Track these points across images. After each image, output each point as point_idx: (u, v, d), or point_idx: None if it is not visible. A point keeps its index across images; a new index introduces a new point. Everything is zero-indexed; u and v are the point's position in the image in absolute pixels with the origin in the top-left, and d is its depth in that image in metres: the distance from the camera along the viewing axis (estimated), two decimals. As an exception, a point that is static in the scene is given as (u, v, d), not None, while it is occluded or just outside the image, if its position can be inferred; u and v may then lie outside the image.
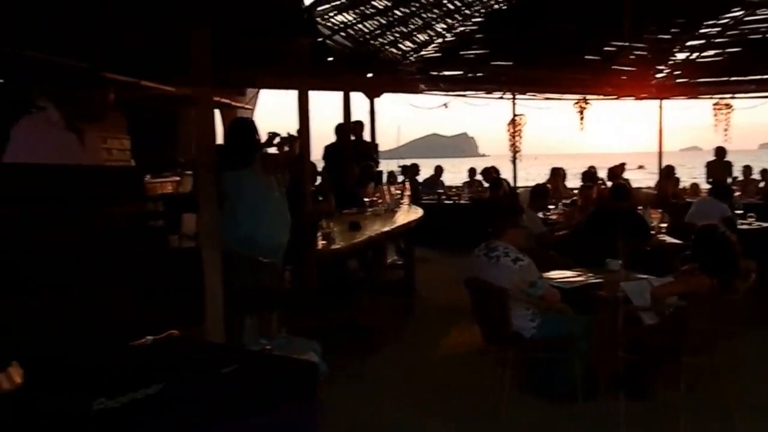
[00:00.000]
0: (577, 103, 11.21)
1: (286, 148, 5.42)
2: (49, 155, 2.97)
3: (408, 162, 12.39)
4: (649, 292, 3.92)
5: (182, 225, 4.21)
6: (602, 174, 11.05)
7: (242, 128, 5.14)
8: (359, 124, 8.81)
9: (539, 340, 3.94)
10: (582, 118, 11.27)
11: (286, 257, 5.37)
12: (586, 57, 9.61)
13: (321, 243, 5.32)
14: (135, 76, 9.09)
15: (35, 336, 1.06)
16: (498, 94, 11.16)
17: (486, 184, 10.96)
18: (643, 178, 16.91)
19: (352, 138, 8.48)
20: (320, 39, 6.90)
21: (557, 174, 10.54)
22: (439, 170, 12.41)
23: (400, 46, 8.87)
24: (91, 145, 3.36)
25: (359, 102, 9.58)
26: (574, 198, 8.50)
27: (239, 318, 4.77)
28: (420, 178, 11.80)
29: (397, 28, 8.37)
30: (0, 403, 0.77)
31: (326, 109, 11.37)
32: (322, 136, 8.43)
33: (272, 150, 5.97)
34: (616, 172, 10.74)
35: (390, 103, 12.23)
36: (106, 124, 10.67)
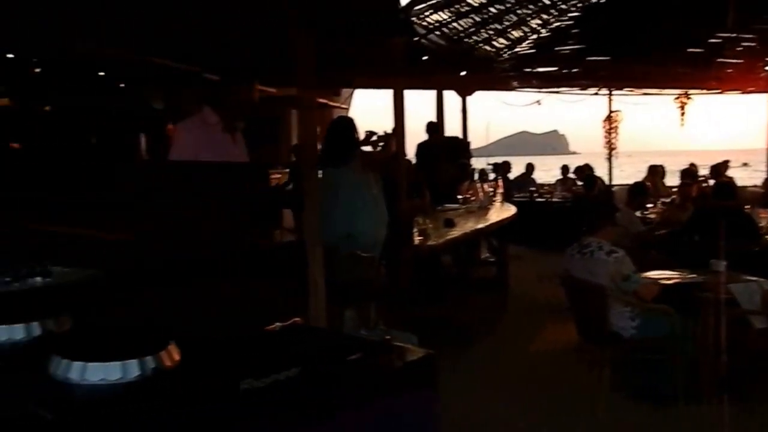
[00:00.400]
0: (677, 98, 10.75)
1: (381, 145, 5.52)
2: (209, 155, 3.14)
3: (497, 160, 12.29)
4: (759, 295, 3.76)
5: (283, 220, 4.41)
6: (703, 172, 10.56)
7: (343, 127, 5.29)
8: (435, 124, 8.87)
9: (640, 341, 3.86)
10: (683, 114, 10.80)
11: (383, 252, 5.50)
12: (689, 50, 9.18)
13: (417, 239, 5.41)
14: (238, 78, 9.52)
15: (187, 320, 1.19)
16: (593, 90, 10.87)
17: (580, 182, 10.71)
18: (747, 176, 15.94)
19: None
20: (416, 38, 6.97)
21: (655, 171, 10.17)
22: (530, 168, 12.26)
23: (494, 43, 8.81)
24: (240, 144, 3.48)
25: (450, 100, 9.62)
26: (673, 196, 8.19)
27: (339, 310, 4.93)
28: (510, 176, 11.68)
29: (491, 26, 8.33)
30: (164, 378, 0.87)
31: (418, 107, 11.46)
32: (413, 134, 8.52)
33: (369, 148, 6.09)
34: (719, 169, 10.23)
35: (479, 100, 12.18)
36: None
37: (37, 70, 8.32)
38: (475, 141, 14.78)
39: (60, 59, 8.00)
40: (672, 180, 10.82)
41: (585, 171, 11.04)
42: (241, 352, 1.02)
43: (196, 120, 3.46)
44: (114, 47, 7.66)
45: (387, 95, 6.92)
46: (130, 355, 0.86)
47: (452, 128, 9.66)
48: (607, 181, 10.50)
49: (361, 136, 5.53)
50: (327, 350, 1.15)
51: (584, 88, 10.74)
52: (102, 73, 9.53)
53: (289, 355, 1.05)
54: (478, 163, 10.92)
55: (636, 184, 7.32)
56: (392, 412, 1.18)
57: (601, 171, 11.19)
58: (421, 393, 1.24)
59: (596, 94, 10.92)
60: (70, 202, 1.71)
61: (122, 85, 10.26)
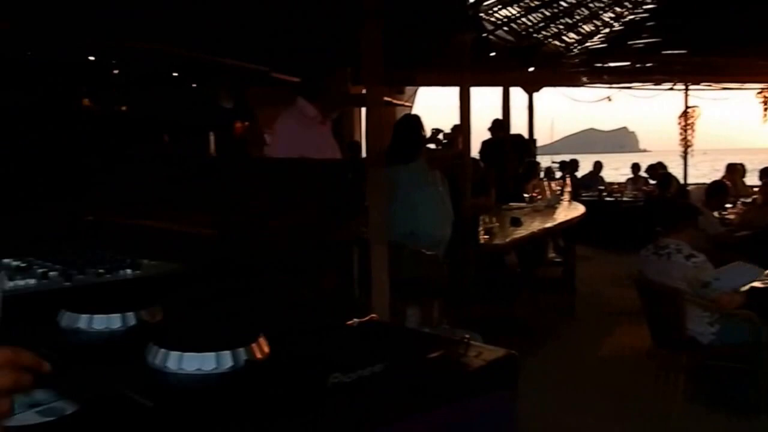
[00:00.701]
0: (760, 92, 10.24)
1: (447, 143, 5.52)
2: (310, 148, 3.22)
3: (562, 158, 12.04)
4: None
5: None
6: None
7: (409, 124, 5.30)
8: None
9: (719, 347, 3.70)
10: (766, 109, 10.29)
11: (447, 251, 5.48)
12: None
13: (483, 238, 5.36)
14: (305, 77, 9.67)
15: (267, 313, 1.21)
16: (668, 85, 10.49)
17: (652, 181, 10.37)
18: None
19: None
20: (484, 34, 6.90)
21: (735, 170, 9.72)
22: (598, 166, 11.94)
23: (564, 38, 8.61)
24: (332, 136, 3.52)
25: (516, 97, 9.47)
26: (755, 196, 7.83)
27: (403, 307, 4.95)
28: (577, 174, 11.43)
29: (561, 20, 8.14)
30: (256, 370, 0.89)
31: (482, 104, 11.34)
32: (477, 131, 8.46)
33: (433, 146, 6.08)
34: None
35: (544, 97, 11.96)
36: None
37: (116, 71, 8.68)
38: (540, 138, 14.54)
39: (136, 60, 8.31)
40: (752, 179, 10.33)
41: (658, 169, 10.66)
42: (326, 347, 1.02)
43: (295, 112, 3.46)
44: (186, 48, 7.90)
45: (451, 93, 6.89)
46: (223, 347, 0.88)
47: (517, 125, 9.53)
48: (681, 180, 10.12)
49: (427, 133, 5.52)
50: (408, 347, 1.14)
51: (658, 83, 10.37)
52: (176, 74, 9.84)
53: (373, 351, 1.05)
54: (543, 160, 10.73)
55: (714, 183, 7.01)
56: (472, 412, 1.17)
57: (674, 169, 10.79)
58: (502, 394, 1.22)
59: (671, 89, 10.53)
60: (156, 198, 1.77)
61: (194, 85, 10.58)
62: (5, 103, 6.44)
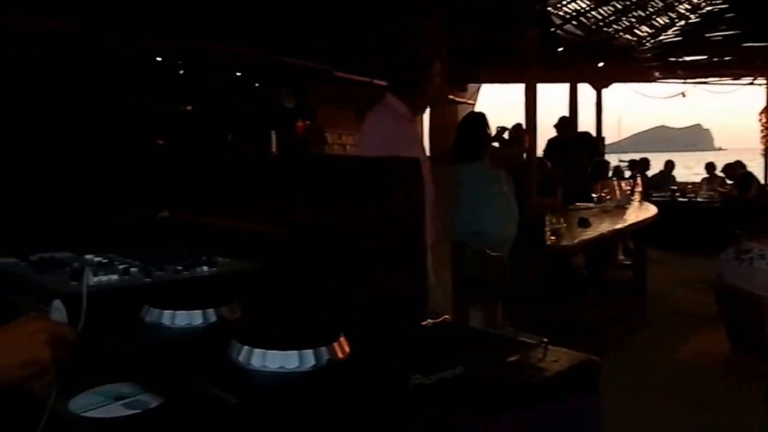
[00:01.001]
0: None
1: (512, 141, 5.43)
2: (401, 145, 3.19)
3: (631, 156, 11.67)
4: None
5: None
6: None
7: (474, 122, 5.24)
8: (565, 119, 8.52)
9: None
10: None
11: (512, 251, 5.39)
12: None
13: (549, 238, 5.24)
14: (367, 76, 9.70)
15: (347, 313, 1.20)
16: (747, 80, 10.01)
17: (729, 181, 9.92)
18: None
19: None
20: (552, 29, 6.75)
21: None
22: (669, 165, 11.50)
23: (636, 31, 8.33)
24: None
25: (583, 93, 9.24)
26: None
27: (465, 308, 4.89)
28: (648, 174, 11.05)
29: (634, 13, 7.88)
30: (337, 370, 0.87)
31: (548, 101, 11.11)
32: (543, 129, 8.29)
33: (498, 144, 5.98)
34: None
35: (612, 93, 11.60)
36: (342, 122, 11.55)
37: (181, 72, 8.95)
38: (607, 136, 14.15)
39: (202, 61, 8.54)
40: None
41: (737, 169, 10.18)
42: (403, 347, 1.00)
43: (387, 108, 3.45)
44: (251, 48, 8.05)
45: (514, 90, 6.78)
46: (305, 345, 0.88)
47: (584, 122, 9.29)
48: (762, 180, 9.65)
49: (492, 132, 5.46)
50: (485, 350, 1.11)
51: (737, 77, 9.90)
52: (239, 74, 10.07)
53: (451, 353, 1.02)
54: (610, 159, 10.44)
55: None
56: (555, 418, 1.13)
57: (754, 169, 10.30)
58: (584, 400, 1.18)
59: (751, 83, 10.05)
60: (230, 197, 1.79)
61: (257, 85, 10.80)
62: (82, 104, 6.72)
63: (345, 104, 11.11)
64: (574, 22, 7.39)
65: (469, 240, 4.73)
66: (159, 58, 8.31)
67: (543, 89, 9.37)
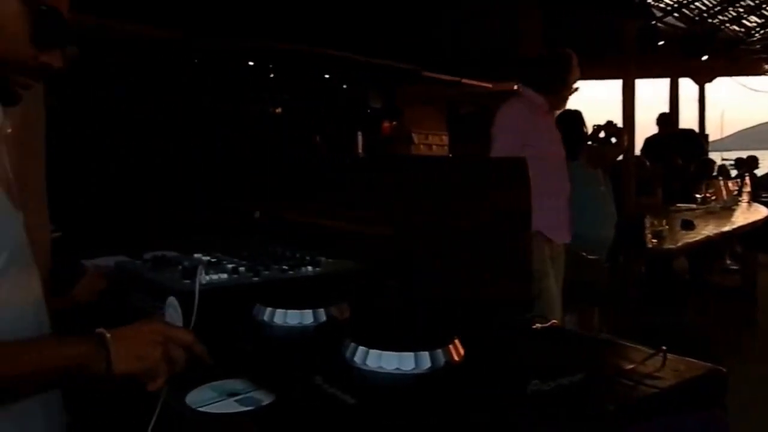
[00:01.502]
0: None
1: (613, 140, 5.25)
2: (537, 137, 3.31)
3: (737, 154, 10.99)
4: None
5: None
6: None
7: (570, 120, 5.09)
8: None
9: None
10: None
11: (609, 255, 5.21)
12: None
13: (650, 241, 5.01)
14: (457, 75, 9.64)
15: (453, 314, 1.17)
16: None
17: None
18: None
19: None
20: (651, 22, 6.47)
21: None
22: (781, 163, 10.78)
23: (744, 22, 7.83)
24: None
25: (685, 88, 8.79)
26: None
27: (561, 313, 4.74)
28: (757, 173, 10.37)
29: (741, 2, 7.41)
30: (453, 373, 0.85)
31: (646, 97, 10.63)
32: (642, 126, 7.94)
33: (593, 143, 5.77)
34: None
35: (714, 88, 10.92)
36: (428, 122, 11.54)
37: (272, 75, 9.21)
38: (710, 133, 13.41)
39: (292, 64, 8.74)
40: None
41: None
42: (517, 351, 0.96)
43: (524, 100, 3.50)
44: (339, 50, 8.16)
45: (611, 85, 6.52)
46: (421, 347, 0.86)
47: (685, 119, 8.84)
48: None
49: (588, 130, 5.31)
50: (600, 356, 1.05)
51: None
52: (327, 76, 10.25)
53: (566, 359, 0.98)
54: (713, 157, 9.88)
55: None
56: (678, 428, 1.06)
57: None
58: (707, 414, 1.10)
59: None
60: (331, 198, 1.81)
61: (344, 86, 10.96)
62: (183, 110, 7.02)
63: (432, 104, 11.09)
64: (675, 14, 7.03)
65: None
66: (251, 63, 8.60)
67: (642, 84, 9.01)
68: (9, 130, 1.26)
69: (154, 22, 6.06)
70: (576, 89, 3.81)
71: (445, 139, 11.40)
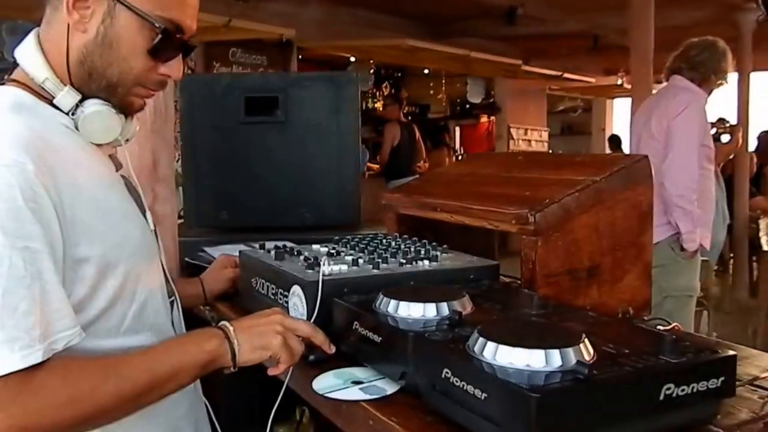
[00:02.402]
0: None
1: (727, 137, 5.02)
2: (707, 134, 3.47)
3: None
4: None
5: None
6: None
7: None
8: None
9: None
10: None
11: (722, 257, 4.99)
12: None
13: (767, 244, 4.75)
14: (558, 70, 9.43)
15: (572, 314, 1.16)
16: None
17: None
18: None
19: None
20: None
21: None
22: None
23: None
24: None
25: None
26: None
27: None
28: None
29: None
30: (585, 373, 0.84)
31: (763, 91, 9.98)
32: (757, 123, 7.45)
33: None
34: None
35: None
36: (527, 117, 11.37)
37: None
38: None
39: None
40: None
41: None
42: (643, 354, 0.95)
43: (699, 96, 3.61)
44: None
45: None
46: (552, 345, 0.86)
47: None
48: None
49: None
50: (729, 362, 1.02)
51: None
52: (426, 71, 10.27)
53: (698, 363, 0.95)
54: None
55: None
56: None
57: None
58: None
59: None
60: (450, 190, 1.83)
61: (443, 81, 10.95)
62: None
63: (532, 99, 10.91)
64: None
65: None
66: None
67: (758, 78, 8.46)
68: (137, 128, 1.34)
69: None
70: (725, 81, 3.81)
71: (545, 134, 11.19)
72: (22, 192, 0.99)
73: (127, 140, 1.29)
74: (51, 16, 1.18)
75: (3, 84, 1.19)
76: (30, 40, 1.18)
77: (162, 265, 1.38)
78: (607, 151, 10.67)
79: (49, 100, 1.17)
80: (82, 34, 1.15)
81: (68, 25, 1.15)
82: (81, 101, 1.18)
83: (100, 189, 1.18)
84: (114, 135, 1.23)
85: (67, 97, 1.16)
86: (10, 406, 0.95)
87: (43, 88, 1.17)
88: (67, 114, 1.18)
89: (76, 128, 1.18)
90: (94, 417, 1.05)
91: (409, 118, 12.92)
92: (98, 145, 1.24)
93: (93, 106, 1.18)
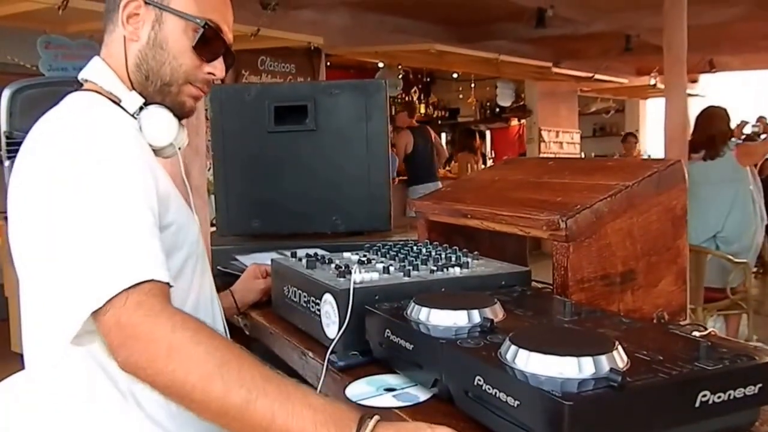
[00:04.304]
0: None
1: (763, 136, 4.93)
2: None
3: None
4: None
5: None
6: None
7: (715, 116, 4.85)
8: None
9: None
10: None
11: (759, 259, 4.90)
12: None
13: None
14: (589, 71, 9.33)
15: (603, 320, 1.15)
16: None
17: None
18: None
19: None
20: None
21: None
22: None
23: None
24: None
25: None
26: None
27: (703, 320, 4.49)
28: None
29: None
30: (618, 381, 0.84)
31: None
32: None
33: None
34: None
35: None
36: (559, 120, 11.28)
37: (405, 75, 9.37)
38: None
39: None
40: None
41: None
42: (679, 360, 0.94)
43: None
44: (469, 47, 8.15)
45: (754, 76, 6.02)
46: (584, 353, 0.86)
47: None
48: None
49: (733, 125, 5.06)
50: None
51: None
52: (455, 75, 10.24)
53: (735, 370, 0.94)
54: None
55: None
56: None
57: None
58: None
59: None
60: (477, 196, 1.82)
61: (473, 85, 10.91)
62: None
63: (563, 101, 10.80)
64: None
65: (709, 245, 4.38)
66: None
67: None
68: (187, 141, 1.40)
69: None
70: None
71: (576, 137, 11.08)
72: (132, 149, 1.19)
73: (179, 148, 1.38)
74: (108, 38, 1.35)
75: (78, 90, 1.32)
76: (94, 60, 1.34)
77: (209, 278, 1.44)
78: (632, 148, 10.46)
79: (117, 104, 1.32)
80: (136, 42, 1.31)
81: (124, 37, 1.31)
82: (144, 105, 1.32)
83: (167, 180, 1.30)
84: (172, 134, 1.35)
85: (132, 99, 1.31)
86: (161, 313, 1.02)
87: (111, 93, 1.32)
88: (132, 116, 1.32)
89: (140, 130, 1.31)
90: (177, 381, 0.98)
91: (440, 122, 12.92)
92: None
93: (153, 107, 1.34)
